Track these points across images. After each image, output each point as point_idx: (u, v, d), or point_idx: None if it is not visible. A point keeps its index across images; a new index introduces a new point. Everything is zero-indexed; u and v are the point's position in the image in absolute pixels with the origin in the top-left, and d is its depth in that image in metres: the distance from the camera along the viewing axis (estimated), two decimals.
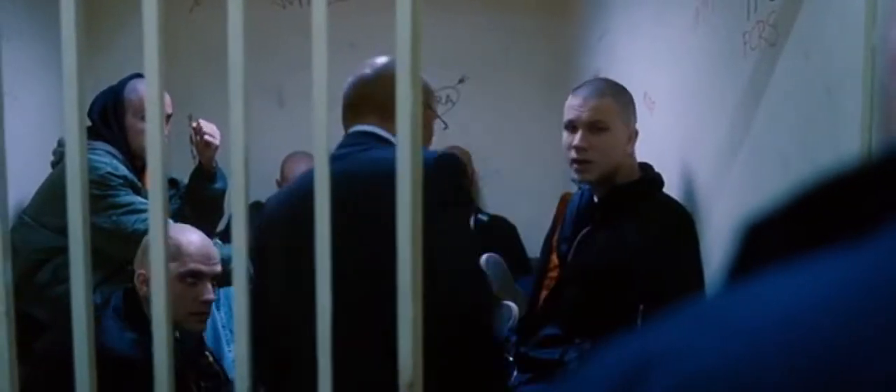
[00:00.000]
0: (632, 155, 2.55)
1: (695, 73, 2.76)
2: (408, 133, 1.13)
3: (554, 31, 4.87)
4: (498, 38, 4.91)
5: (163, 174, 1.21)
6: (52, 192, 3.09)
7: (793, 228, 0.44)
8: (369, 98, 2.18)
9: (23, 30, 3.67)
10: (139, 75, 3.13)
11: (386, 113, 2.10)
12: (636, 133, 2.56)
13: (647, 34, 3.32)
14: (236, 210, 1.20)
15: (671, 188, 2.64)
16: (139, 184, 3.15)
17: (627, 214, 2.45)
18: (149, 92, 1.20)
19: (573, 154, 2.50)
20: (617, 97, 2.54)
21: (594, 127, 2.49)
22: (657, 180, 2.58)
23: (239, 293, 1.21)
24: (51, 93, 3.88)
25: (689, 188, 2.75)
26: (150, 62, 1.18)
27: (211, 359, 2.55)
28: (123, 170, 3.10)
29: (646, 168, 2.59)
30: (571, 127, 2.52)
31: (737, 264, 0.47)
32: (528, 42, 4.91)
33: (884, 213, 0.41)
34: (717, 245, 2.46)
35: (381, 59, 2.25)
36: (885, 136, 0.49)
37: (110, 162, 3.07)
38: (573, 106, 2.53)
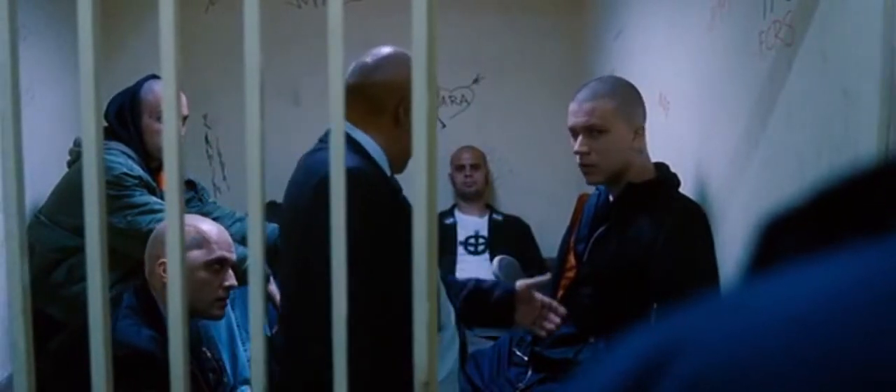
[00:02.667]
0: (641, 152, 2.54)
1: (710, 72, 2.75)
2: (424, 135, 1.13)
3: (569, 31, 4.87)
4: (513, 38, 4.90)
5: (179, 174, 1.21)
6: (68, 191, 3.11)
7: (810, 227, 0.45)
8: (358, 92, 2.14)
9: (40, 29, 3.69)
10: (155, 76, 3.15)
11: (370, 111, 2.14)
12: (642, 129, 2.54)
13: (662, 34, 3.31)
14: (252, 210, 1.21)
15: (686, 188, 2.63)
16: (154, 184, 3.16)
17: (643, 213, 2.45)
18: (165, 92, 1.20)
19: (578, 159, 2.51)
20: (613, 96, 2.51)
21: (592, 130, 2.49)
22: (673, 179, 2.57)
23: (254, 293, 1.21)
24: (67, 92, 3.90)
25: (704, 188, 2.74)
26: (167, 62, 1.19)
27: (209, 354, 2.57)
28: (139, 170, 3.11)
29: (661, 167, 2.58)
30: (573, 132, 2.53)
31: (754, 262, 0.47)
32: (542, 42, 4.90)
33: None
34: (732, 245, 2.45)
35: (386, 51, 2.21)
36: None
37: (126, 162, 3.09)
38: (571, 111, 2.54)
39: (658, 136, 2.58)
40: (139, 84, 3.23)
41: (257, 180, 1.20)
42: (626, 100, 2.53)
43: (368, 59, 2.18)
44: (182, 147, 1.22)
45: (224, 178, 4.89)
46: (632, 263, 2.40)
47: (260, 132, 1.19)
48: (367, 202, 1.94)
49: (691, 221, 2.47)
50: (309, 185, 2.08)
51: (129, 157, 3.12)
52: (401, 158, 2.24)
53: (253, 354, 1.23)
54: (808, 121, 2.01)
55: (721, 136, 2.63)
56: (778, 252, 0.45)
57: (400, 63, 2.17)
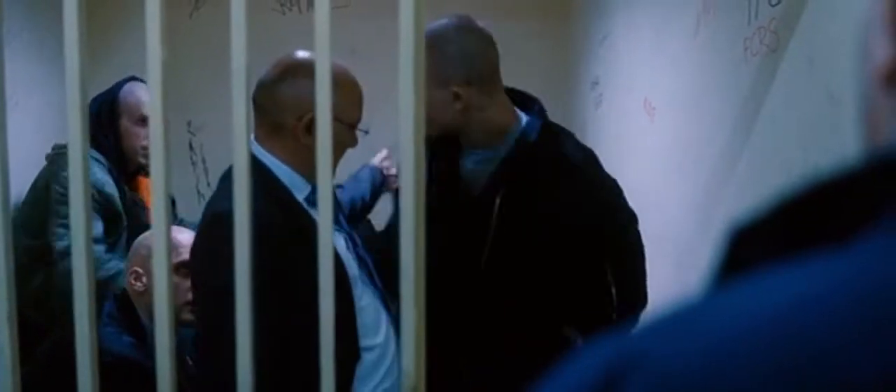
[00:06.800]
0: (482, 109, 2.30)
1: (696, 79, 2.76)
2: (411, 140, 1.12)
3: (555, 35, 4.87)
4: (498, 42, 4.89)
5: (165, 180, 1.21)
6: (33, 208, 3.05)
7: (777, 233, 0.45)
8: (258, 108, 1.98)
9: (23, 33, 3.67)
10: (135, 78, 3.10)
11: (273, 129, 1.98)
12: (458, 95, 2.26)
13: (648, 39, 3.32)
14: (239, 215, 1.20)
15: (672, 193, 2.63)
16: (124, 191, 3.06)
17: (537, 183, 2.20)
18: (152, 96, 1.20)
19: None
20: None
21: None
22: (553, 132, 2.29)
23: (241, 299, 1.21)
24: (52, 97, 3.88)
25: (690, 195, 2.75)
26: (153, 68, 1.18)
27: (191, 361, 2.58)
28: (106, 184, 3.00)
29: (549, 127, 2.30)
30: None
31: (722, 269, 0.47)
32: (528, 46, 4.90)
33: (866, 219, 0.42)
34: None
35: (287, 61, 2.00)
36: (866, 144, 0.50)
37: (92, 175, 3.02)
38: None
39: (643, 142, 2.57)
40: (119, 86, 3.15)
41: (243, 186, 1.19)
42: (431, 62, 2.01)
43: (269, 70, 1.99)
44: (169, 151, 1.21)
45: (209, 185, 4.87)
46: (551, 242, 2.14)
47: (246, 138, 1.18)
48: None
49: (600, 173, 2.23)
50: (207, 212, 2.00)
51: (101, 164, 3.02)
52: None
53: (239, 360, 1.23)
54: (793, 126, 2.02)
55: (706, 143, 2.64)
56: (743, 260, 0.46)
57: (298, 75, 1.95)
